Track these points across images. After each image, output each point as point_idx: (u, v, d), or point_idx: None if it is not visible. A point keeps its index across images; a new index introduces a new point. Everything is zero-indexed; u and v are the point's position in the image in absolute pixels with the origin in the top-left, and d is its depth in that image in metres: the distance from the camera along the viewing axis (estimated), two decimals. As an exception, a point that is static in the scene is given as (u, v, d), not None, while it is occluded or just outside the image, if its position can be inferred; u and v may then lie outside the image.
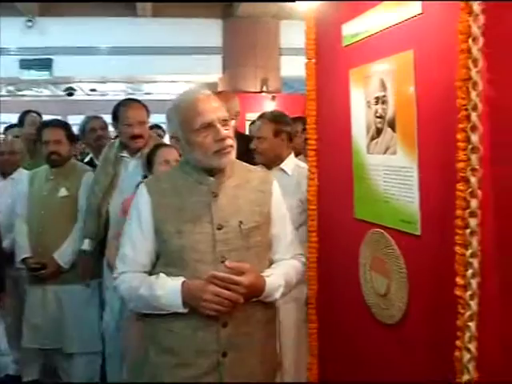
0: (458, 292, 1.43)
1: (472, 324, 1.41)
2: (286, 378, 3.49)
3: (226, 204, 2.18)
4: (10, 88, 10.11)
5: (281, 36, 8.00)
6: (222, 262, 2.09)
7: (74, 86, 8.98)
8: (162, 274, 2.16)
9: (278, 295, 2.20)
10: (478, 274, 1.40)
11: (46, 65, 7.62)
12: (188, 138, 2.17)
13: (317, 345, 2.58)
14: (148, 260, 2.23)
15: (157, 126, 6.58)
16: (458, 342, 1.45)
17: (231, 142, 2.17)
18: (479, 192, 1.37)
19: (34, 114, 5.52)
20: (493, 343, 1.43)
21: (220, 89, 8.90)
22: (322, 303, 2.54)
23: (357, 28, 2.11)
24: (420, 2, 1.66)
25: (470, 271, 1.39)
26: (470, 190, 1.37)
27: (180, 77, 9.07)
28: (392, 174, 1.94)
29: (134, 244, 2.24)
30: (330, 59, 2.39)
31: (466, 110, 1.37)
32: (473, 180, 1.37)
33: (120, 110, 3.52)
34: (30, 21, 7.52)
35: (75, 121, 4.49)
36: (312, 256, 2.54)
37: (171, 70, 8.55)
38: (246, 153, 2.88)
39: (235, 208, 2.19)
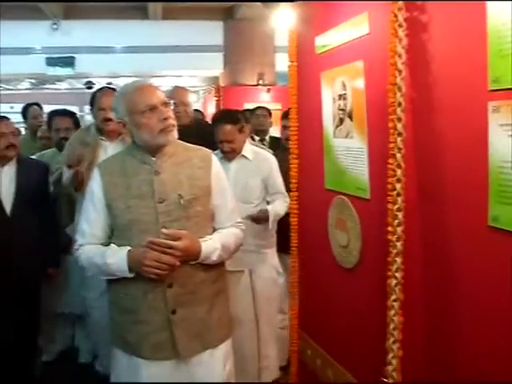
0: (389, 236, 1.81)
1: (398, 259, 1.79)
2: (262, 332, 3.59)
3: (167, 180, 2.20)
4: (33, 81, 10.30)
5: (275, 35, 8.17)
6: (163, 233, 2.12)
7: (92, 80, 9.16)
8: (112, 245, 2.21)
9: (214, 257, 2.22)
10: (402, 222, 1.77)
11: (69, 62, 7.83)
12: (135, 120, 2.17)
13: (297, 290, 2.93)
14: (102, 233, 2.26)
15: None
16: (389, 271, 1.84)
17: (173, 121, 2.21)
18: (403, 164, 1.74)
19: (36, 107, 5.46)
20: (415, 273, 1.81)
21: (222, 81, 9.04)
22: (302, 250, 2.85)
23: (326, 41, 2.43)
24: (367, 23, 2.02)
25: (396, 221, 1.77)
26: (396, 163, 1.74)
27: (185, 72, 9.26)
28: (350, 153, 2.28)
29: (90, 220, 2.27)
30: (307, 63, 2.70)
31: (394, 106, 1.73)
32: (398, 156, 1.74)
33: (95, 96, 3.43)
34: (55, 24, 7.69)
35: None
36: (294, 220, 2.85)
37: (178, 65, 8.71)
38: (204, 138, 2.86)
39: (175, 183, 2.20)
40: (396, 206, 1.77)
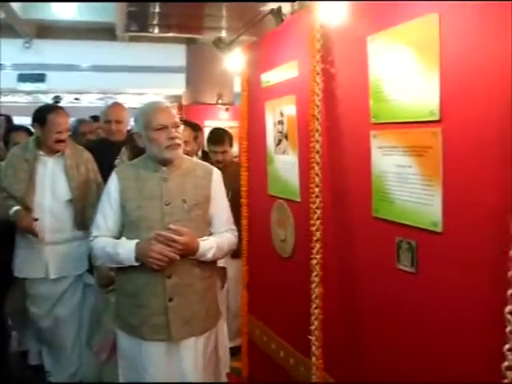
0: (310, 227, 2.41)
1: (317, 244, 2.39)
2: (230, 315, 4.23)
3: (174, 187, 2.48)
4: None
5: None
6: (168, 229, 2.38)
7: (60, 95, 9.55)
8: (123, 238, 2.47)
9: (209, 255, 2.49)
10: (320, 216, 2.37)
11: (40, 79, 8.25)
12: (148, 135, 2.46)
13: (247, 278, 3.48)
14: (115, 228, 2.52)
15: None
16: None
17: (179, 141, 2.49)
18: (320, 174, 2.35)
19: (1, 117, 5.53)
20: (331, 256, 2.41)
21: (184, 100, 9.53)
22: (250, 250, 3.42)
23: (268, 78, 3.02)
24: (297, 68, 2.63)
25: (315, 215, 2.37)
26: (315, 173, 2.35)
27: (150, 90, 9.76)
28: (286, 166, 2.84)
29: (105, 215, 2.53)
30: (255, 93, 3.26)
31: (313, 131, 2.34)
32: (316, 168, 2.33)
33: (49, 116, 3.35)
34: (27, 42, 8.11)
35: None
36: (244, 221, 3.41)
37: (143, 84, 9.16)
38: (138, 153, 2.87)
39: (181, 190, 2.48)
40: (315, 205, 2.38)
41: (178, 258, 2.35)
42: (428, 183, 1.70)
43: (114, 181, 2.53)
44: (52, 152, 3.37)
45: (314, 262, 2.42)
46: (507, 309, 1.32)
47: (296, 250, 2.81)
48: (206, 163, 2.70)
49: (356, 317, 2.25)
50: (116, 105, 4.29)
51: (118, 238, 2.50)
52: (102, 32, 8.30)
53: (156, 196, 2.45)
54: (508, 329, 1.33)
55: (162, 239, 2.32)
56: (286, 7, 3.10)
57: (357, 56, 2.07)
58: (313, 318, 2.47)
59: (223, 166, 3.65)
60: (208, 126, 8.12)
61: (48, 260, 3.33)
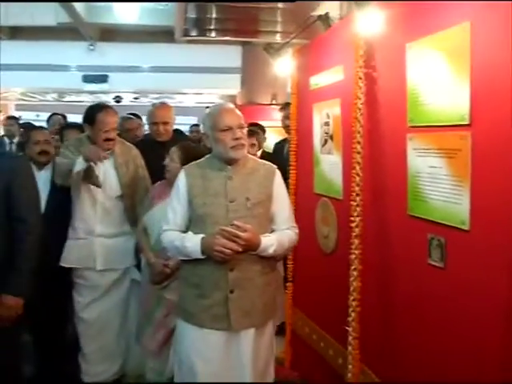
0: (350, 224, 2.54)
1: (356, 240, 2.52)
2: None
3: (238, 185, 2.53)
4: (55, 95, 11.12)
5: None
6: (232, 225, 2.44)
7: (121, 95, 9.95)
8: (190, 232, 2.55)
9: (270, 251, 2.51)
10: (360, 214, 2.50)
11: (103, 79, 8.67)
12: (214, 136, 2.53)
13: (292, 273, 3.65)
14: (183, 222, 2.61)
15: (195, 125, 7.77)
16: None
17: (243, 141, 2.54)
18: (361, 174, 2.48)
19: (59, 116, 5.83)
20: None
21: (239, 100, 9.72)
22: (296, 246, 3.50)
23: (316, 81, 3.18)
24: (342, 73, 2.77)
25: (355, 213, 2.50)
26: (356, 172, 2.48)
27: (205, 90, 10.02)
28: (331, 165, 2.99)
29: (175, 210, 2.63)
30: (304, 95, 3.43)
31: (355, 133, 2.48)
32: (357, 168, 2.47)
33: (98, 115, 3.37)
34: (91, 45, 8.54)
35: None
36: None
37: (199, 84, 9.38)
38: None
39: (245, 188, 2.53)
40: (355, 203, 2.51)
41: (240, 250, 2.42)
42: (457, 184, 1.81)
43: (182, 178, 2.62)
44: (102, 150, 3.36)
45: (353, 256, 2.54)
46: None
47: (338, 245, 2.95)
48: (269, 163, 2.75)
49: (391, 309, 2.37)
50: (163, 106, 4.27)
51: (186, 231, 2.60)
52: (161, 35, 8.60)
53: (221, 194, 2.53)
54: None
55: (226, 234, 2.41)
56: (334, 12, 3.23)
57: (397, 62, 2.19)
58: (350, 309, 2.60)
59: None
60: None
61: (96, 252, 3.37)
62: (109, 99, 9.91)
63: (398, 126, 2.18)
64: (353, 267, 2.56)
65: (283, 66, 3.32)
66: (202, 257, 2.48)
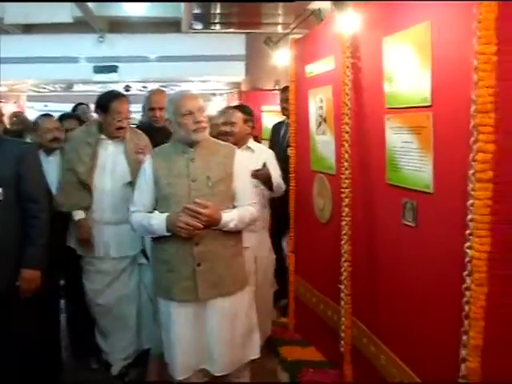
0: (341, 194, 2.92)
1: (346, 209, 2.89)
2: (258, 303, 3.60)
3: (199, 165, 2.68)
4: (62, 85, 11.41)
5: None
6: (194, 203, 2.58)
7: (130, 84, 10.27)
8: (156, 212, 2.70)
9: (231, 225, 2.66)
10: (349, 185, 2.87)
11: (113, 70, 9.02)
12: (177, 120, 2.67)
13: (294, 242, 4.03)
14: (149, 203, 2.75)
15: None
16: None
17: (204, 124, 2.68)
18: (349, 150, 2.84)
19: (84, 106, 6.00)
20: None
21: (244, 86, 10.04)
22: (297, 218, 3.95)
23: (311, 69, 3.53)
24: (333, 62, 3.12)
25: (344, 184, 2.87)
26: (345, 150, 2.85)
27: (211, 77, 10.35)
28: (324, 145, 3.36)
29: (141, 191, 2.77)
30: (301, 82, 3.78)
31: (344, 115, 2.84)
32: (346, 145, 2.84)
33: (112, 103, 3.39)
34: (101, 37, 8.88)
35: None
36: (292, 192, 3.95)
37: (205, 72, 9.69)
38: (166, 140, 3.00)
39: (206, 168, 2.68)
40: (345, 176, 2.89)
41: (202, 227, 2.57)
42: (423, 155, 2.18)
43: (149, 161, 2.77)
44: (113, 137, 3.42)
45: (344, 223, 2.93)
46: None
47: (332, 216, 3.32)
48: (230, 144, 2.92)
49: (375, 266, 2.75)
50: (158, 92, 4.33)
51: (152, 212, 2.73)
52: (168, 25, 8.93)
53: (184, 174, 2.67)
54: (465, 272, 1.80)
55: (188, 212, 2.55)
56: (327, 5, 3.55)
57: (376, 53, 2.54)
58: (342, 269, 2.99)
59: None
60: (266, 110, 8.62)
61: (109, 239, 3.40)
62: (118, 88, 10.24)
63: (378, 109, 2.55)
64: (343, 232, 2.95)
65: (282, 57, 3.66)
66: (168, 234, 2.62)
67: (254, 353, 2.92)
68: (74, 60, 9.08)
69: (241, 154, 2.87)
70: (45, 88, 12.08)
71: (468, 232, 1.80)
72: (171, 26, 8.87)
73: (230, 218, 2.66)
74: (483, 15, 1.67)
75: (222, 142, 2.92)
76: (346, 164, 2.88)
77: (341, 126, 2.93)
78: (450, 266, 1.98)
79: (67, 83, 11.33)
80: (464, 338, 1.85)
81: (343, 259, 2.97)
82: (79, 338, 3.73)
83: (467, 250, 1.80)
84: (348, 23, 2.62)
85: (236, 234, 2.77)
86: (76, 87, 11.85)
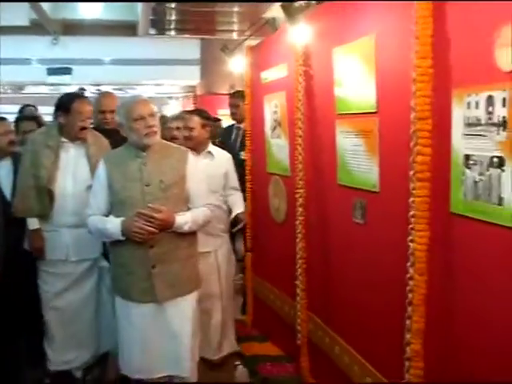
0: (295, 195, 3.09)
1: (300, 209, 3.07)
2: (225, 305, 3.74)
3: (152, 169, 2.72)
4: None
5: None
6: (148, 207, 2.64)
7: (84, 87, 10.22)
8: (111, 216, 2.75)
9: (186, 228, 2.72)
10: (303, 186, 3.04)
11: (67, 72, 8.97)
12: (129, 125, 2.71)
13: (251, 241, 4.18)
14: (104, 207, 2.79)
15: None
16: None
17: (156, 128, 2.72)
18: (302, 153, 3.01)
19: (32, 107, 5.77)
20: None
21: (199, 90, 10.16)
22: (253, 219, 4.10)
23: (266, 75, 3.69)
24: (286, 69, 3.29)
25: (299, 185, 3.04)
26: (298, 152, 3.02)
27: (167, 81, 10.43)
28: (279, 148, 3.52)
29: (96, 196, 2.82)
30: (257, 88, 3.94)
31: (297, 119, 3.01)
32: (299, 148, 3.01)
33: (75, 104, 3.32)
34: (55, 39, 8.82)
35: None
36: (248, 193, 4.08)
37: (160, 76, 9.78)
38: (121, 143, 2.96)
39: (159, 172, 2.72)
40: (299, 178, 3.06)
41: (156, 231, 2.63)
42: (370, 157, 2.36)
43: (102, 165, 2.81)
44: (75, 139, 3.37)
45: (298, 222, 3.10)
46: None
47: (287, 215, 3.49)
48: (182, 147, 2.96)
49: (327, 261, 2.93)
50: (109, 95, 4.34)
51: (108, 215, 2.78)
52: (123, 28, 8.96)
53: (137, 178, 2.71)
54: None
55: (142, 217, 2.61)
56: (281, 14, 3.72)
57: (327, 62, 2.72)
58: (297, 266, 3.16)
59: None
60: (222, 114, 8.73)
61: (69, 242, 3.34)
62: (72, 91, 10.16)
63: (329, 114, 2.73)
64: (298, 231, 3.12)
65: (237, 63, 3.81)
66: (122, 238, 2.67)
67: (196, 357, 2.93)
68: (27, 62, 9.00)
69: (192, 157, 2.90)
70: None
71: (410, 227, 1.98)
72: (126, 29, 8.91)
73: (183, 220, 2.71)
74: (420, 31, 1.85)
75: (174, 145, 2.97)
76: (299, 166, 3.04)
77: (294, 130, 3.09)
78: (395, 258, 2.15)
79: (18, 85, 11.18)
80: (408, 322, 2.03)
81: (298, 256, 3.14)
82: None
83: (409, 243, 1.99)
84: (300, 34, 2.79)
85: (190, 235, 2.82)
86: (27, 89, 11.71)
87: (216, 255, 3.61)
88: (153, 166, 2.73)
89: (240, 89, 7.83)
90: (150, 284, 2.71)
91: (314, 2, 2.61)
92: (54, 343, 3.38)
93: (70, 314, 3.36)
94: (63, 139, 3.36)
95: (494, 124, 1.59)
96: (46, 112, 5.72)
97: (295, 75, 3.05)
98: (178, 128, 3.67)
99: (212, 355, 3.58)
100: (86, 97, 3.63)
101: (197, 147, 3.50)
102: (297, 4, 2.59)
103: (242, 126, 4.70)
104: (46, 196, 3.28)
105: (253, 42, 4.18)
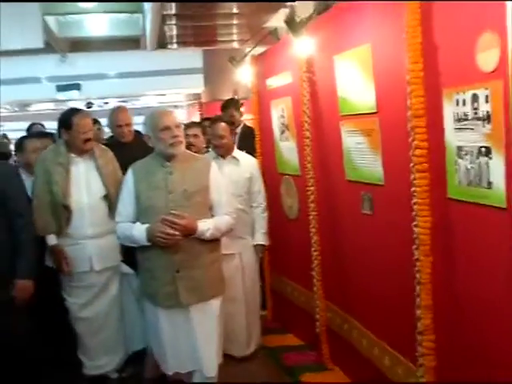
0: (307, 193, 3.32)
1: (312, 204, 3.29)
2: (250, 307, 3.89)
3: (177, 178, 2.81)
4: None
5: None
6: (170, 213, 2.72)
7: (92, 101, 10.51)
8: (137, 223, 2.84)
9: (208, 234, 2.80)
10: (313, 184, 3.27)
11: (76, 87, 9.25)
12: (156, 135, 2.82)
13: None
14: (132, 213, 2.89)
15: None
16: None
17: (181, 138, 2.83)
18: (311, 154, 3.24)
19: (38, 125, 5.88)
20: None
21: (203, 98, 10.40)
22: (271, 215, 4.30)
23: (271, 82, 3.92)
24: (291, 76, 3.52)
25: (309, 183, 3.27)
26: (307, 153, 3.25)
27: (172, 91, 10.71)
28: (288, 150, 3.74)
29: (125, 204, 2.92)
30: (263, 94, 4.17)
31: (304, 123, 3.24)
32: (308, 149, 3.24)
33: (74, 119, 3.40)
34: (63, 56, 9.13)
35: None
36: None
37: (165, 86, 10.08)
38: (146, 151, 3.07)
39: (183, 180, 2.81)
40: (309, 176, 3.28)
41: (179, 236, 2.72)
42: (374, 153, 2.59)
43: (130, 174, 2.93)
44: (82, 153, 3.45)
45: (311, 217, 3.33)
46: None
47: (300, 212, 3.72)
48: (204, 156, 3.15)
49: (340, 252, 3.15)
50: (123, 109, 4.43)
51: (135, 222, 2.87)
52: (127, 42, 9.24)
53: (162, 187, 2.81)
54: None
55: (166, 222, 2.71)
56: (282, 25, 3.95)
57: (329, 69, 2.95)
58: (313, 258, 3.38)
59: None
60: (225, 120, 8.96)
61: (91, 253, 3.41)
62: (81, 106, 10.44)
63: (334, 116, 2.96)
64: (311, 225, 3.35)
65: (243, 73, 4.05)
66: (148, 243, 2.77)
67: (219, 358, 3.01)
68: (36, 80, 9.31)
69: (215, 166, 2.99)
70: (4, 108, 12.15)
71: (413, 213, 2.21)
72: (129, 42, 9.19)
73: (206, 227, 2.79)
74: (410, 39, 2.09)
75: (198, 155, 3.11)
76: (309, 165, 3.28)
77: (302, 132, 3.33)
78: (402, 243, 2.37)
79: (26, 103, 11.46)
80: (417, 300, 2.25)
81: (313, 249, 3.37)
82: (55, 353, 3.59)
83: (414, 228, 2.21)
84: (303, 45, 3.02)
85: (213, 242, 2.89)
86: (34, 106, 11.99)
87: (241, 257, 3.75)
88: (178, 175, 2.83)
89: (235, 96, 8.14)
90: (174, 288, 2.80)
91: (314, 14, 2.83)
92: (86, 351, 3.52)
93: (98, 322, 3.48)
94: (72, 155, 3.44)
95: (479, 118, 1.81)
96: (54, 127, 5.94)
97: (300, 81, 3.28)
98: (195, 135, 3.83)
99: (240, 353, 3.76)
100: (84, 110, 3.75)
101: (225, 153, 3.70)
102: (298, 19, 2.81)
103: (237, 130, 5.00)
104: (63, 212, 3.36)
105: (256, 50, 4.43)
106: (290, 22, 2.83)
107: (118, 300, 3.56)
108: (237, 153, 3.81)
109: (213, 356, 2.91)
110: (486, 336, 1.97)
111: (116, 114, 4.29)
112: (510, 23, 1.62)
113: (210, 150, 3.89)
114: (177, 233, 2.70)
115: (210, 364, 2.90)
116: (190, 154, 3.02)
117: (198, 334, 2.85)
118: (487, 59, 1.76)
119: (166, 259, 2.79)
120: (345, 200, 3.01)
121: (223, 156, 3.70)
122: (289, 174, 3.83)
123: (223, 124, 3.73)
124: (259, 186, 3.85)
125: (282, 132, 3.83)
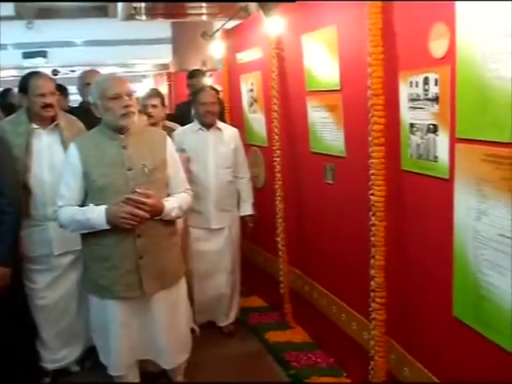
0: (273, 163, 3.51)
1: (278, 174, 3.49)
2: (235, 277, 3.85)
3: (133, 153, 2.50)
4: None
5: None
6: (133, 192, 2.42)
7: (58, 68, 10.39)
8: (91, 204, 2.47)
9: (173, 214, 2.56)
10: (279, 155, 3.47)
11: (42, 55, 9.15)
12: (103, 105, 2.46)
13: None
14: (78, 196, 2.52)
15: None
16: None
17: (133, 108, 2.49)
18: (278, 125, 3.43)
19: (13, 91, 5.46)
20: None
21: (172, 68, 10.39)
22: None
23: (242, 57, 4.06)
24: (261, 51, 3.67)
25: (276, 154, 3.47)
26: (275, 124, 3.43)
27: (139, 61, 10.68)
28: (257, 122, 3.92)
29: (69, 186, 2.52)
30: (233, 67, 4.31)
31: (272, 96, 3.41)
32: (275, 121, 3.42)
33: (30, 81, 3.04)
34: (30, 23, 8.99)
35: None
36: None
37: (133, 56, 10.08)
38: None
39: (140, 155, 2.51)
40: (276, 147, 3.47)
41: (147, 216, 2.44)
42: (337, 127, 2.80)
43: (73, 151, 2.53)
44: (44, 122, 3.06)
45: (277, 186, 3.53)
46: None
47: (266, 181, 3.92)
48: (157, 129, 2.88)
49: (303, 218, 3.38)
50: (94, 71, 4.22)
51: (81, 206, 2.53)
52: (95, 10, 9.16)
53: (118, 163, 2.49)
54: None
55: (131, 202, 2.41)
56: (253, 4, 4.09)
57: (297, 47, 3.12)
58: (277, 225, 3.60)
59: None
60: (194, 90, 9.01)
61: (52, 236, 3.06)
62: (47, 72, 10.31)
63: (301, 91, 3.14)
64: (277, 194, 3.55)
65: (215, 46, 4.18)
66: (107, 227, 2.43)
67: (187, 349, 2.88)
68: (2, 47, 9.15)
69: (170, 139, 2.73)
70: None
71: (370, 183, 2.43)
72: (97, 10, 9.11)
73: (171, 206, 2.56)
74: (372, 25, 2.27)
75: (151, 127, 2.87)
76: (276, 137, 3.46)
77: (270, 106, 3.50)
78: (359, 210, 2.59)
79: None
80: (372, 261, 2.49)
81: (278, 216, 3.58)
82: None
83: (370, 196, 2.44)
84: (274, 24, 3.17)
85: (172, 223, 2.68)
86: (2, 73, 11.82)
87: (230, 230, 3.68)
88: (133, 149, 2.53)
89: (203, 68, 8.18)
90: (136, 276, 2.53)
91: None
92: (44, 343, 3.24)
93: (58, 308, 3.21)
94: (34, 125, 3.06)
95: (429, 99, 2.02)
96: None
97: (269, 57, 3.44)
98: (153, 106, 3.64)
99: (220, 322, 3.81)
100: (45, 73, 3.31)
101: (214, 122, 3.56)
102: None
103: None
104: (22, 189, 2.97)
105: (221, 20, 4.51)
106: (263, 4, 2.98)
107: (78, 288, 3.21)
108: (220, 124, 3.67)
109: (175, 346, 2.75)
110: (429, 293, 2.22)
111: (86, 75, 4.11)
112: (458, 17, 1.82)
113: (194, 120, 3.67)
114: (145, 213, 2.43)
115: (170, 355, 2.75)
116: (142, 126, 2.76)
117: (158, 324, 2.65)
118: (438, 47, 1.96)
119: (127, 244, 2.49)
120: (309, 170, 3.22)
121: (208, 127, 3.53)
122: (256, 145, 4.01)
123: (213, 91, 3.60)
124: (243, 156, 3.73)
125: (251, 105, 3.99)
